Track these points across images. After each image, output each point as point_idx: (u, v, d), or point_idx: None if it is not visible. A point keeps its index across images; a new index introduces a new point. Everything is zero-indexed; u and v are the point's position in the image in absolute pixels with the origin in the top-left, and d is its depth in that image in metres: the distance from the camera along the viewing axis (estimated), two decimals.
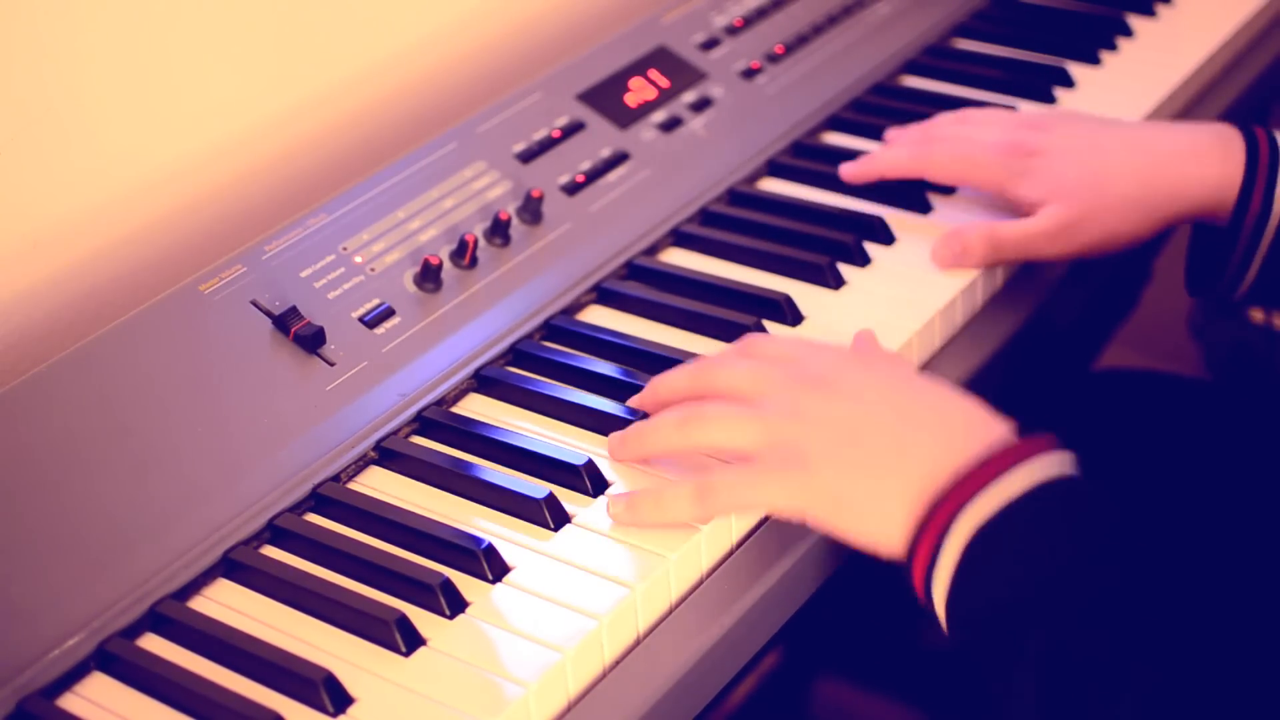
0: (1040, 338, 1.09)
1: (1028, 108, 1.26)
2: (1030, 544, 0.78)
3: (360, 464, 0.93)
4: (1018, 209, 1.08)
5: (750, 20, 1.33)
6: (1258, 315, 1.39)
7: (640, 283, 1.08)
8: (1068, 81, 1.30)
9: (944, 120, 1.15)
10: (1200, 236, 1.08)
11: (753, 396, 0.87)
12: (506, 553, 0.85)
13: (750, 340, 0.93)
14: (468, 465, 0.92)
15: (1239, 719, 0.72)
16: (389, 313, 1.00)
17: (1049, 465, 0.80)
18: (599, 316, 1.06)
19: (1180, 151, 1.05)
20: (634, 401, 0.94)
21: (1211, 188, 1.03)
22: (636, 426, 0.90)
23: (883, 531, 0.82)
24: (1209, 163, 1.03)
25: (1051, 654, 0.75)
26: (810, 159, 1.22)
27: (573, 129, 1.17)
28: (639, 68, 1.24)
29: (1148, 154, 1.05)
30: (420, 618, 0.81)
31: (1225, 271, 1.04)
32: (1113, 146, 1.07)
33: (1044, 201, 1.05)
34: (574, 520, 0.87)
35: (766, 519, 0.89)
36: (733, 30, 1.31)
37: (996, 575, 0.78)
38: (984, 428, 0.83)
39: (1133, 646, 0.74)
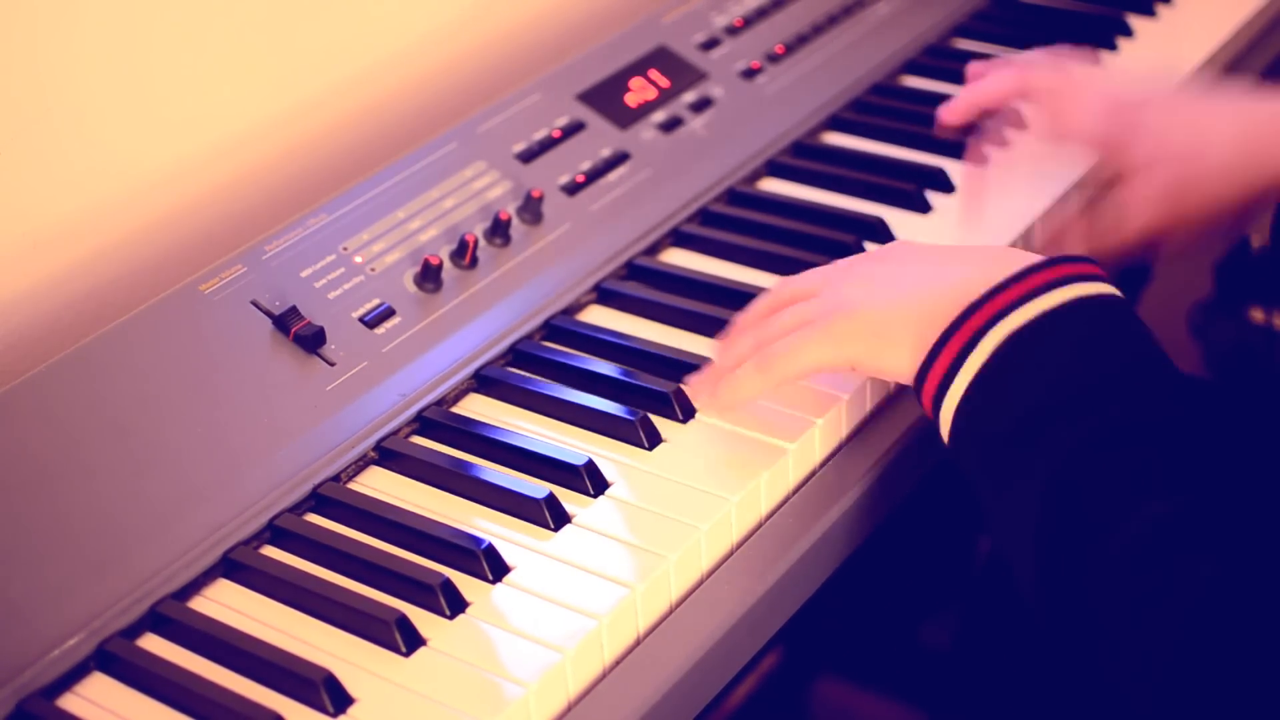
0: None
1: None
2: (1064, 352, 0.78)
3: (360, 464, 0.93)
4: (1124, 167, 1.06)
5: (750, 20, 1.33)
6: (1258, 315, 1.39)
7: (640, 283, 1.08)
8: None
9: (1039, 59, 1.12)
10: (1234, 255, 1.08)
11: (817, 288, 0.90)
12: (506, 553, 0.85)
13: (813, 273, 0.95)
14: (468, 465, 0.92)
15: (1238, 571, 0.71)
16: (389, 313, 1.00)
17: (1093, 287, 0.80)
18: (599, 316, 1.06)
19: None
20: (719, 339, 0.95)
21: None
22: (711, 376, 0.92)
23: (911, 352, 0.83)
24: None
25: (1065, 468, 0.74)
26: (810, 159, 1.22)
27: (573, 129, 1.17)
28: (639, 68, 1.24)
29: (1248, 117, 1.03)
30: (420, 618, 0.81)
31: None
32: (1215, 105, 1.05)
33: (1152, 161, 1.03)
34: (574, 520, 0.87)
35: (768, 519, 0.89)
36: (733, 30, 1.31)
37: (1021, 381, 0.78)
38: (1023, 256, 0.84)
39: (1148, 475, 0.73)
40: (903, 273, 0.87)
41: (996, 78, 1.11)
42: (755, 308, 0.95)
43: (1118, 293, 0.81)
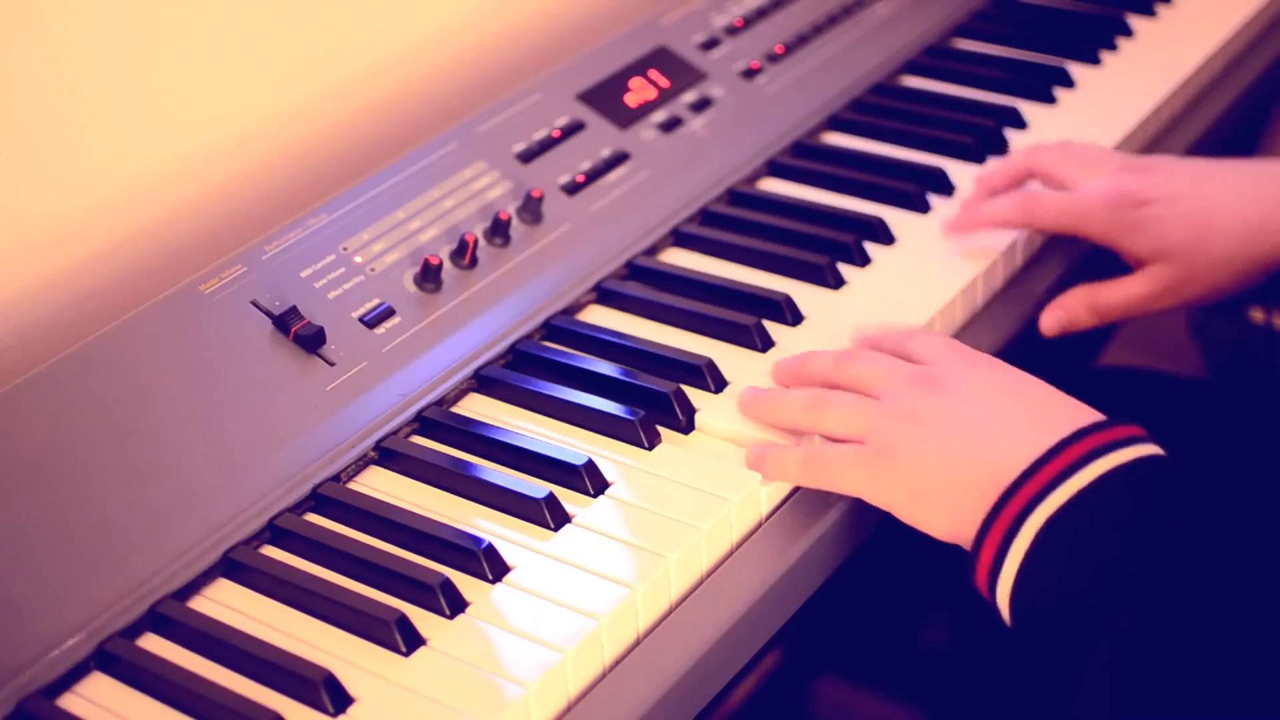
0: (1041, 337, 1.09)
1: (1028, 108, 1.26)
2: (1107, 531, 0.77)
3: (360, 464, 0.93)
4: (1127, 259, 1.06)
5: (750, 20, 1.33)
6: (1258, 315, 1.39)
7: (640, 283, 1.08)
8: (1068, 81, 1.30)
9: (1046, 150, 1.11)
10: None
11: (877, 391, 0.90)
12: (506, 553, 0.85)
13: (910, 335, 0.95)
14: (468, 465, 0.92)
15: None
16: (389, 313, 1.00)
17: (1131, 452, 0.79)
18: (599, 316, 1.06)
19: None
20: (779, 365, 0.96)
21: None
22: (771, 394, 0.93)
23: (954, 520, 0.83)
24: None
25: (1129, 649, 0.74)
26: (810, 159, 1.22)
27: (573, 129, 1.17)
28: (639, 68, 1.24)
29: (1254, 201, 1.03)
30: (420, 618, 0.81)
31: None
32: (1218, 191, 1.04)
33: (1151, 259, 1.04)
34: (574, 520, 0.87)
35: (768, 518, 0.89)
36: (733, 30, 1.31)
37: (1069, 565, 0.77)
38: (1070, 418, 0.83)
39: (1216, 645, 0.73)
40: (956, 420, 0.86)
41: (1003, 209, 1.08)
42: (820, 365, 0.94)
43: (1159, 452, 0.81)
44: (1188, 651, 0.73)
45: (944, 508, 0.84)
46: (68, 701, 0.79)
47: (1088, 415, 0.84)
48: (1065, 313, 1.06)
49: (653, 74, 1.24)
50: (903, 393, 0.89)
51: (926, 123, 1.25)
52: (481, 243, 1.06)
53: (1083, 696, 0.76)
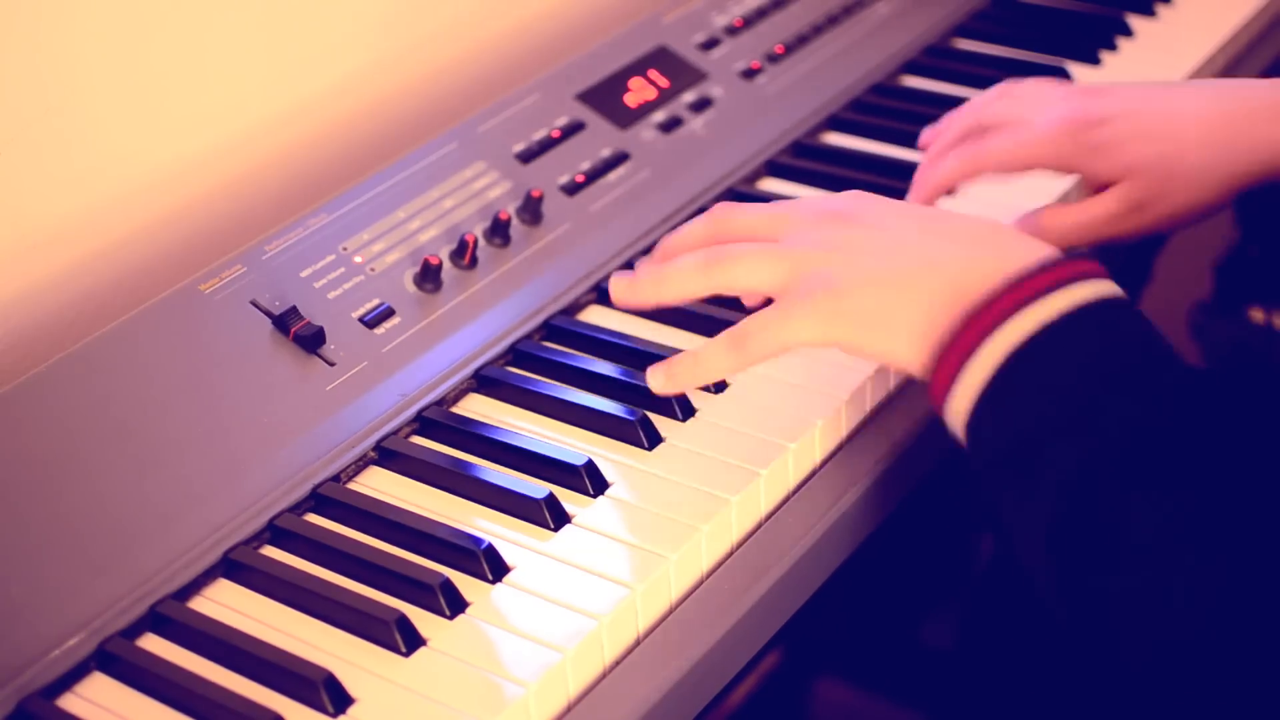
0: None
1: None
2: (1065, 368, 0.76)
3: (360, 464, 0.93)
4: (1094, 186, 1.02)
5: (750, 20, 1.33)
6: (1258, 315, 1.39)
7: None
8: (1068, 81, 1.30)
9: (989, 100, 1.04)
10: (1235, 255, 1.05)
11: (775, 235, 0.86)
12: (506, 553, 0.85)
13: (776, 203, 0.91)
14: (468, 465, 0.92)
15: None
16: (389, 313, 1.00)
17: (1092, 288, 0.78)
18: (599, 316, 1.06)
19: (1263, 105, 0.98)
20: (646, 260, 0.91)
21: None
22: (655, 268, 0.87)
23: (908, 345, 0.81)
24: None
25: (1076, 478, 0.73)
26: (810, 159, 1.22)
27: (573, 129, 1.17)
28: (639, 68, 1.24)
29: (1222, 113, 0.99)
30: (420, 618, 0.81)
31: None
32: (1181, 103, 1.00)
33: (1120, 178, 0.98)
34: (574, 520, 0.87)
35: (768, 518, 0.89)
36: (733, 30, 1.31)
37: (1024, 399, 0.76)
38: (1020, 245, 0.82)
39: (1160, 474, 0.72)
40: (886, 242, 0.83)
41: (949, 168, 1.02)
42: (690, 233, 0.89)
43: (1119, 291, 0.80)
44: (1134, 476, 0.72)
45: (904, 330, 0.81)
46: (68, 701, 0.79)
47: (1039, 243, 0.82)
48: (1023, 230, 1.00)
49: (652, 74, 1.24)
50: (805, 228, 0.85)
51: (927, 123, 1.24)
52: (481, 243, 1.06)
53: (1027, 522, 0.75)
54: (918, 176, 1.04)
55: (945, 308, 0.80)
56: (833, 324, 0.82)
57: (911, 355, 0.82)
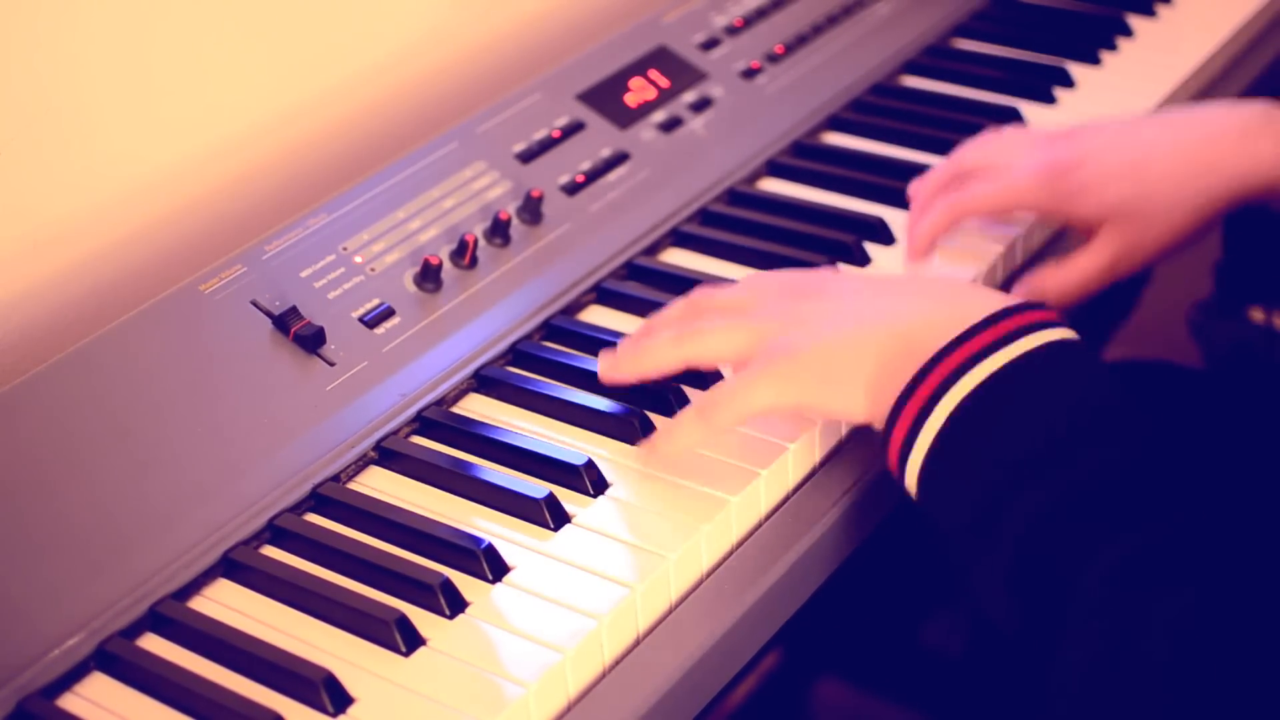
0: None
1: (1028, 108, 1.26)
2: (1023, 413, 0.76)
3: (360, 464, 0.93)
4: (1077, 228, 1.05)
5: (750, 20, 1.33)
6: (1258, 315, 1.39)
7: (640, 283, 1.08)
8: (1068, 81, 1.30)
9: (969, 150, 1.08)
10: (1254, 229, 1.05)
11: (745, 310, 0.88)
12: (506, 553, 0.85)
13: (747, 277, 0.94)
14: (468, 465, 0.92)
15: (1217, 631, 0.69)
16: (389, 313, 1.00)
17: (1042, 337, 0.78)
18: (599, 316, 1.06)
19: (1226, 131, 1.01)
20: (622, 343, 0.94)
21: (1269, 164, 0.99)
22: (630, 342, 0.91)
23: (864, 400, 0.82)
24: (1261, 141, 0.99)
25: (1035, 523, 0.73)
26: (810, 159, 1.22)
27: (573, 129, 1.17)
28: (639, 68, 1.24)
29: (1186, 144, 1.01)
30: (420, 618, 0.81)
31: None
32: (1149, 137, 1.02)
33: (1098, 221, 1.01)
34: (574, 520, 0.87)
35: (768, 518, 0.89)
36: (733, 30, 1.31)
37: (983, 444, 0.76)
38: (975, 298, 0.82)
39: (1119, 515, 0.72)
40: (845, 309, 0.85)
41: (935, 220, 1.05)
42: (669, 312, 0.93)
43: (1074, 336, 0.80)
44: (1093, 517, 0.72)
45: (862, 383, 0.82)
46: (68, 701, 0.79)
47: (997, 296, 0.83)
48: (1022, 292, 1.03)
49: (653, 74, 1.24)
50: (775, 304, 0.87)
51: (926, 123, 1.25)
52: (481, 243, 1.06)
53: (988, 569, 0.75)
54: (909, 230, 1.07)
55: (899, 362, 0.80)
56: (790, 385, 0.84)
57: (867, 410, 0.82)
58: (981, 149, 1.08)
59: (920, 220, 1.06)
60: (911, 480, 0.80)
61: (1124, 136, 1.03)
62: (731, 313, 0.89)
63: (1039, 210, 1.04)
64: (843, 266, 0.98)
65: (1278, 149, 0.99)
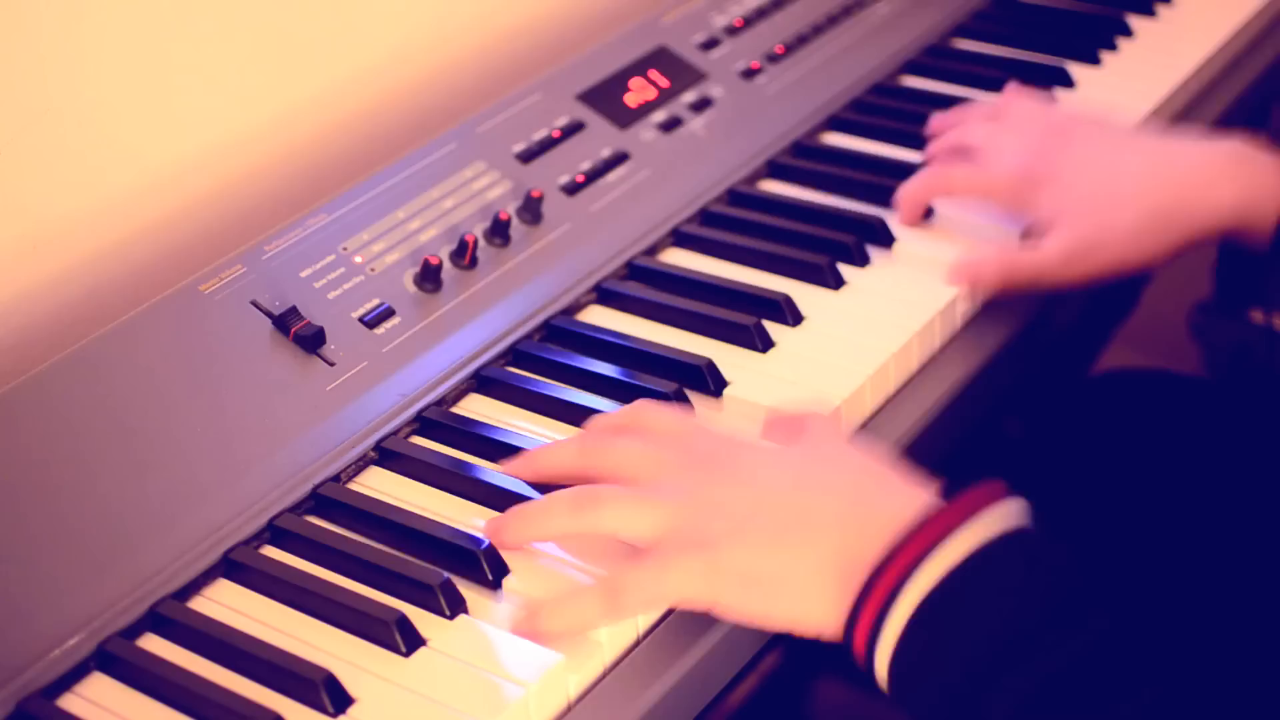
0: (1040, 339, 1.09)
1: None
2: (980, 611, 0.73)
3: (360, 464, 0.93)
4: (1034, 228, 1.07)
5: (750, 20, 1.33)
6: (1258, 316, 1.39)
7: (640, 283, 1.08)
8: (1068, 81, 1.30)
9: (982, 117, 1.15)
10: (1233, 256, 1.07)
11: (644, 479, 0.83)
12: (507, 553, 0.85)
13: (637, 411, 0.88)
14: (468, 465, 0.92)
15: None
16: (389, 313, 1.00)
17: (995, 520, 0.76)
18: (599, 316, 1.06)
19: (1193, 176, 1.04)
20: (510, 469, 0.89)
21: (1228, 210, 1.02)
22: (523, 507, 0.84)
23: (808, 610, 0.78)
24: (1223, 186, 1.02)
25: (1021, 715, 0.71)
26: (810, 159, 1.22)
27: (573, 129, 1.17)
28: (639, 68, 1.24)
29: (1161, 178, 1.04)
30: (420, 618, 0.81)
31: (1267, 288, 1.05)
32: (1128, 169, 1.06)
33: (1053, 223, 1.04)
34: None
35: None
36: (733, 30, 1.31)
37: (944, 648, 0.74)
38: (898, 493, 0.79)
39: (1092, 704, 0.70)
40: (761, 501, 0.80)
41: (921, 180, 1.12)
42: (559, 458, 0.86)
43: (1023, 516, 0.77)
44: (1082, 709, 0.70)
45: (792, 593, 0.78)
46: (68, 701, 0.79)
47: (914, 490, 0.79)
48: (973, 271, 1.05)
49: (653, 74, 1.24)
50: (677, 476, 0.82)
51: (926, 123, 1.25)
52: (481, 243, 1.06)
53: None
54: (904, 197, 1.13)
55: (842, 568, 0.77)
56: (707, 584, 0.79)
57: (815, 621, 0.78)
58: (985, 129, 1.14)
59: (904, 186, 1.13)
60: (883, 682, 0.77)
61: (1099, 159, 1.07)
62: (630, 474, 0.84)
63: (1006, 207, 1.10)
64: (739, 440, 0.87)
65: (1238, 196, 1.02)
